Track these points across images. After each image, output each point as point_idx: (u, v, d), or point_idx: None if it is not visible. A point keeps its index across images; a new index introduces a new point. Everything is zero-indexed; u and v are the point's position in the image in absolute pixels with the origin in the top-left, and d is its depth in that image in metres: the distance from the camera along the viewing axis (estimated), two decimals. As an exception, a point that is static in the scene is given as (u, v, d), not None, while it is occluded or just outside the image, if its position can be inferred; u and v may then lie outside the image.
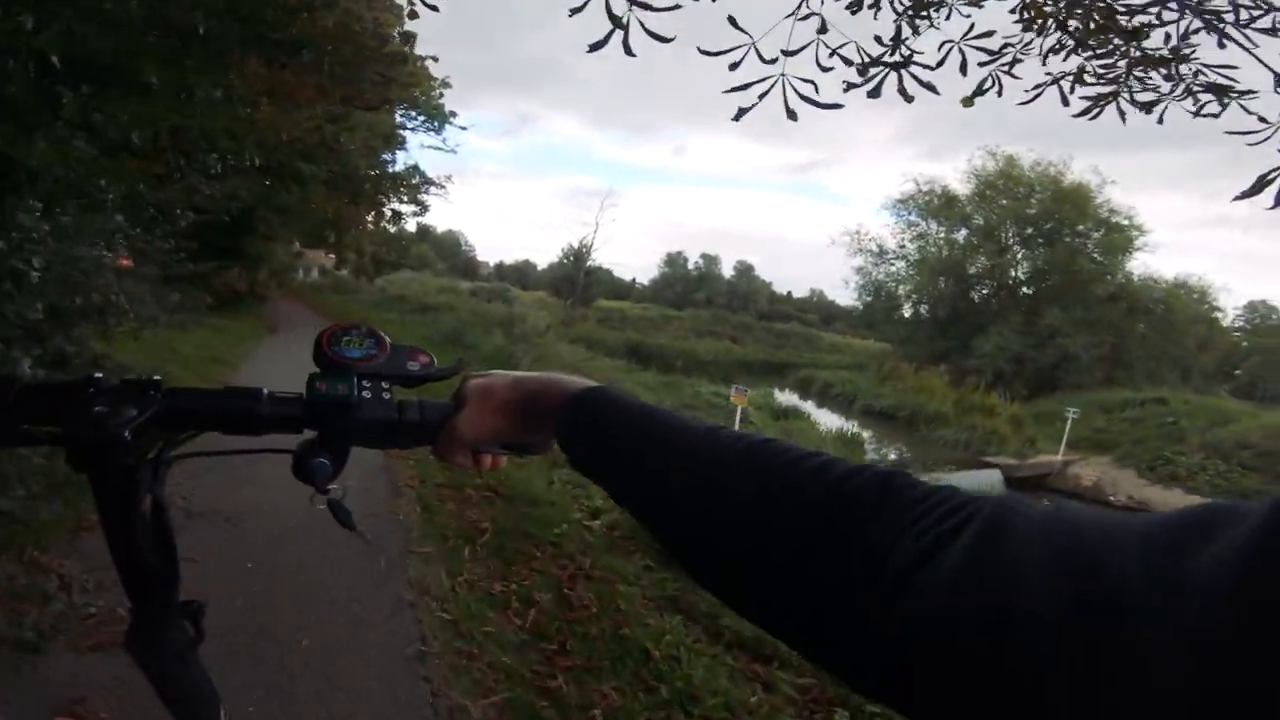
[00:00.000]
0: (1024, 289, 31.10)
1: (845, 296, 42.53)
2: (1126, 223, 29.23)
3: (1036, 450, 19.65)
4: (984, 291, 32.21)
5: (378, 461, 4.66)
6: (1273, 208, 2.54)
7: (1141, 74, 2.93)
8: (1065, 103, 3.03)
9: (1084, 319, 27.31)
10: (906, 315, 35.23)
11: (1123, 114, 3.09)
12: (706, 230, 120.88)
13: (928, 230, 33.36)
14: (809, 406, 23.22)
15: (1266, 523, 0.24)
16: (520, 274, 62.09)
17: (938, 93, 2.99)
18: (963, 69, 2.87)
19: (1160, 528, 0.27)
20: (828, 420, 19.57)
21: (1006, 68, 2.94)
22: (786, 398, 22.80)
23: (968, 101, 3.14)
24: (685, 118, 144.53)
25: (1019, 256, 31.44)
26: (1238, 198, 2.63)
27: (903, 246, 34.05)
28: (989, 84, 3.00)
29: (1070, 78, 2.96)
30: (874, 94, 2.98)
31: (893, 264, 34.51)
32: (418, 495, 4.18)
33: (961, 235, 32.29)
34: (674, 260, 68.68)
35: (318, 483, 0.55)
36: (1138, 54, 2.91)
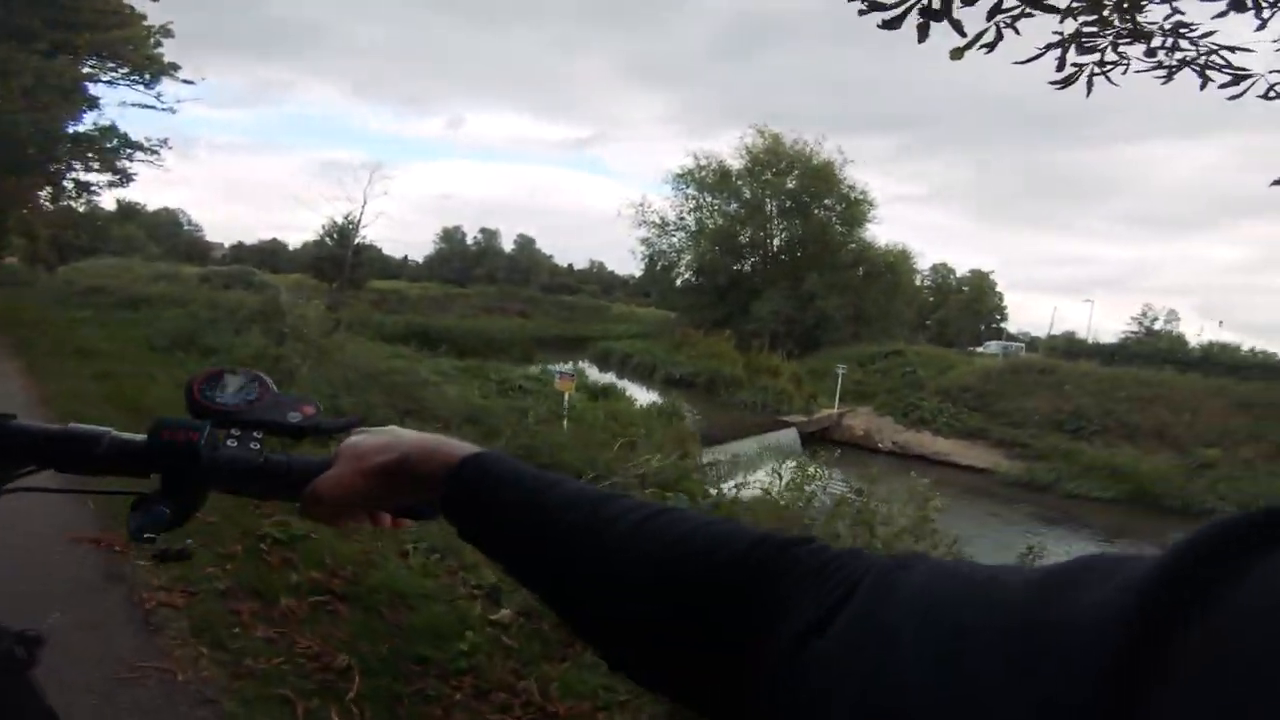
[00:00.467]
0: (784, 257, 34.28)
1: (630, 267, 44.21)
2: (861, 197, 33.67)
3: (819, 405, 21.82)
4: (753, 260, 35.08)
5: (92, 568, 2.92)
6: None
7: (1128, 44, 2.75)
8: (1061, 67, 2.76)
9: (835, 283, 31.03)
10: (684, 284, 37.28)
11: (1090, 83, 2.91)
12: (484, 205, 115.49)
13: (705, 203, 35.38)
14: (612, 378, 23.20)
15: (1164, 564, 0.23)
16: (267, 256, 53.31)
17: (964, 33, 2.45)
18: (993, 12, 2.38)
19: (1031, 583, 0.27)
20: (638, 394, 19.52)
21: (1010, 20, 2.56)
22: (594, 374, 22.38)
23: (957, 54, 2.72)
24: (462, 90, 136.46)
25: (780, 227, 34.60)
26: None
27: (682, 219, 35.77)
28: (989, 36, 2.61)
29: (1068, 43, 2.65)
30: (893, 24, 2.30)
31: (674, 235, 36.11)
32: (192, 620, 2.60)
33: (734, 208, 34.68)
34: (450, 235, 64.51)
35: (134, 527, 0.51)
36: (1127, 27, 2.69)
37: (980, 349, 38.79)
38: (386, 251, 49.96)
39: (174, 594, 2.76)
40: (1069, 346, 36.13)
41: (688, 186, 35.03)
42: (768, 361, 24.76)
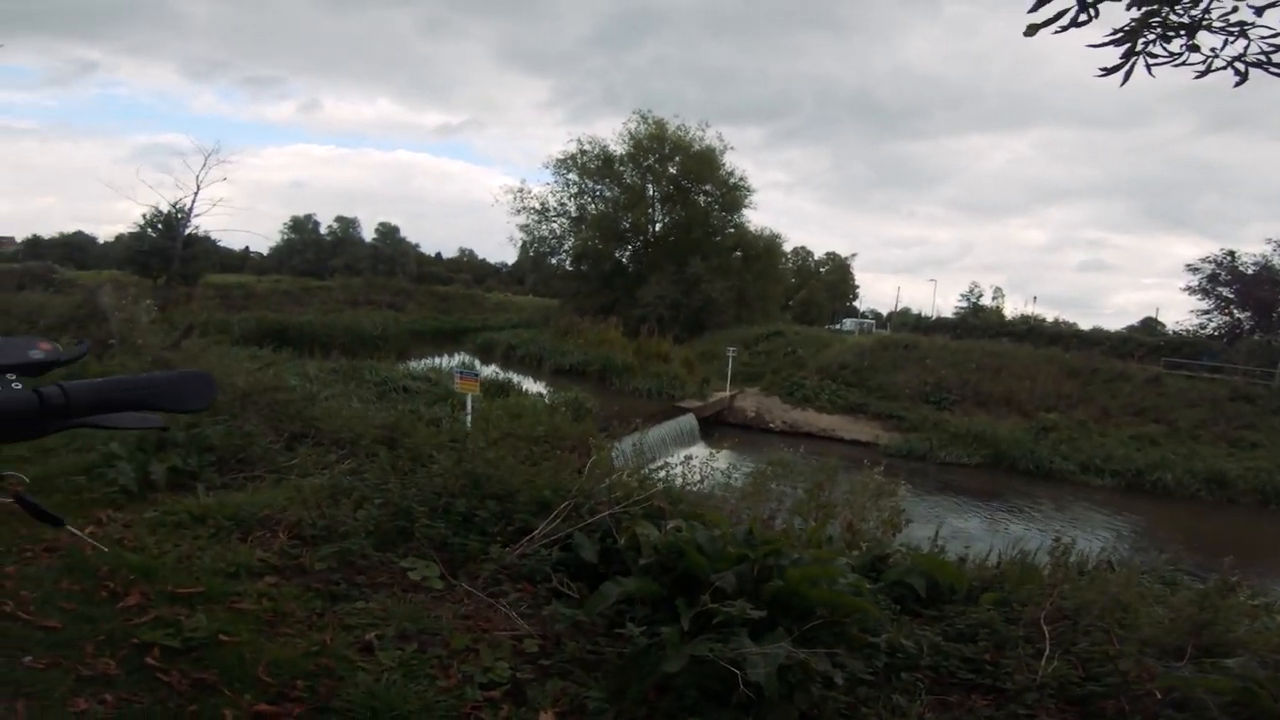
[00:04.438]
0: (669, 240, 34.91)
1: (503, 254, 43.83)
2: (740, 183, 35.19)
3: (711, 389, 22.12)
4: (635, 245, 35.72)
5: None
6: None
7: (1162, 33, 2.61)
8: (1128, 55, 2.57)
9: (717, 267, 32.12)
10: (565, 270, 37.29)
11: (1144, 67, 2.74)
12: (342, 193, 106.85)
13: (586, 188, 35.62)
14: (496, 371, 22.10)
15: None
16: (74, 250, 45.49)
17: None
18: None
19: None
20: (529, 386, 18.66)
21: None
22: (480, 368, 21.14)
23: (1031, 30, 2.51)
24: (314, 72, 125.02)
25: (663, 213, 35.46)
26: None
27: (563, 204, 35.77)
28: (1070, 9, 2.38)
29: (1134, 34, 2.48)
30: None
31: (554, 221, 35.94)
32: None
33: (615, 194, 35.03)
34: (301, 224, 58.71)
35: None
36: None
37: (837, 326, 41.66)
38: (224, 244, 44.32)
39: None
40: (918, 323, 39.63)
41: (569, 172, 35.09)
42: (658, 347, 24.79)
